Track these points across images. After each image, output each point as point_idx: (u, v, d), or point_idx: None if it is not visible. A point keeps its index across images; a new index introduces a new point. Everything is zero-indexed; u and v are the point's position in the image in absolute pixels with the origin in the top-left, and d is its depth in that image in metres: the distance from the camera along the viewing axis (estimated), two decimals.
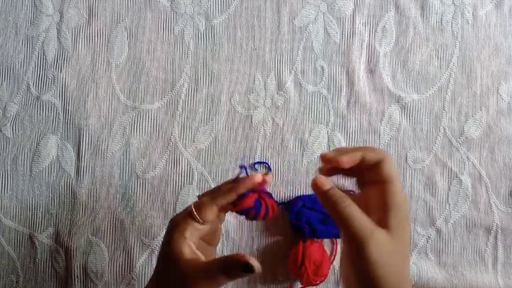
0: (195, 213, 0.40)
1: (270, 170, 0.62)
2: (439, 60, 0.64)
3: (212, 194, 0.41)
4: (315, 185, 0.37)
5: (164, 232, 0.41)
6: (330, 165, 0.38)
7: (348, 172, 0.40)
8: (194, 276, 0.37)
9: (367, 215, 0.35)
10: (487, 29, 0.64)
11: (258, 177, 0.41)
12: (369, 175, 0.38)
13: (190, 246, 0.39)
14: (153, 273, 0.42)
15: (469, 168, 0.64)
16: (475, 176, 0.64)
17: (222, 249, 0.62)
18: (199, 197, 0.42)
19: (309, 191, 0.62)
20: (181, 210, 0.42)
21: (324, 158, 0.38)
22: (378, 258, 0.34)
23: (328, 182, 0.37)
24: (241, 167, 0.41)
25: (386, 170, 0.36)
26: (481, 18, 0.64)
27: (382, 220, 0.35)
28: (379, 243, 0.34)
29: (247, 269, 0.35)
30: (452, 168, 0.63)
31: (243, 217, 0.43)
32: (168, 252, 0.39)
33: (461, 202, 0.63)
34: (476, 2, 0.64)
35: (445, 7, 0.64)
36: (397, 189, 0.36)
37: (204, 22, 0.65)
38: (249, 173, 0.41)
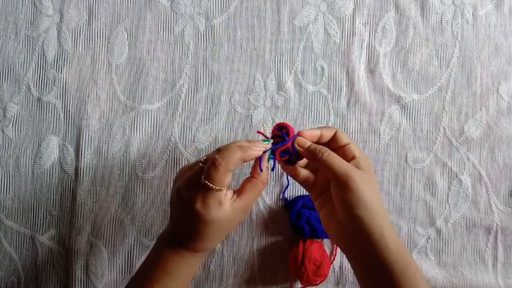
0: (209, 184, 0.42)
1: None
2: (439, 60, 0.64)
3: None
4: (297, 144, 0.46)
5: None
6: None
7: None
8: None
9: None
10: (487, 29, 0.64)
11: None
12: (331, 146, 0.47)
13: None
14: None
15: (469, 168, 0.64)
16: (475, 176, 0.64)
17: (222, 249, 0.62)
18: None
19: None
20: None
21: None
22: (361, 187, 0.41)
23: (307, 141, 0.46)
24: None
25: (342, 137, 0.47)
26: (481, 18, 0.64)
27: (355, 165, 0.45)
28: (359, 177, 0.42)
29: None
30: (452, 168, 0.63)
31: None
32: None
33: (461, 202, 0.63)
34: (476, 2, 0.64)
35: (445, 7, 0.64)
36: (354, 145, 0.47)
37: (204, 22, 0.64)
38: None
